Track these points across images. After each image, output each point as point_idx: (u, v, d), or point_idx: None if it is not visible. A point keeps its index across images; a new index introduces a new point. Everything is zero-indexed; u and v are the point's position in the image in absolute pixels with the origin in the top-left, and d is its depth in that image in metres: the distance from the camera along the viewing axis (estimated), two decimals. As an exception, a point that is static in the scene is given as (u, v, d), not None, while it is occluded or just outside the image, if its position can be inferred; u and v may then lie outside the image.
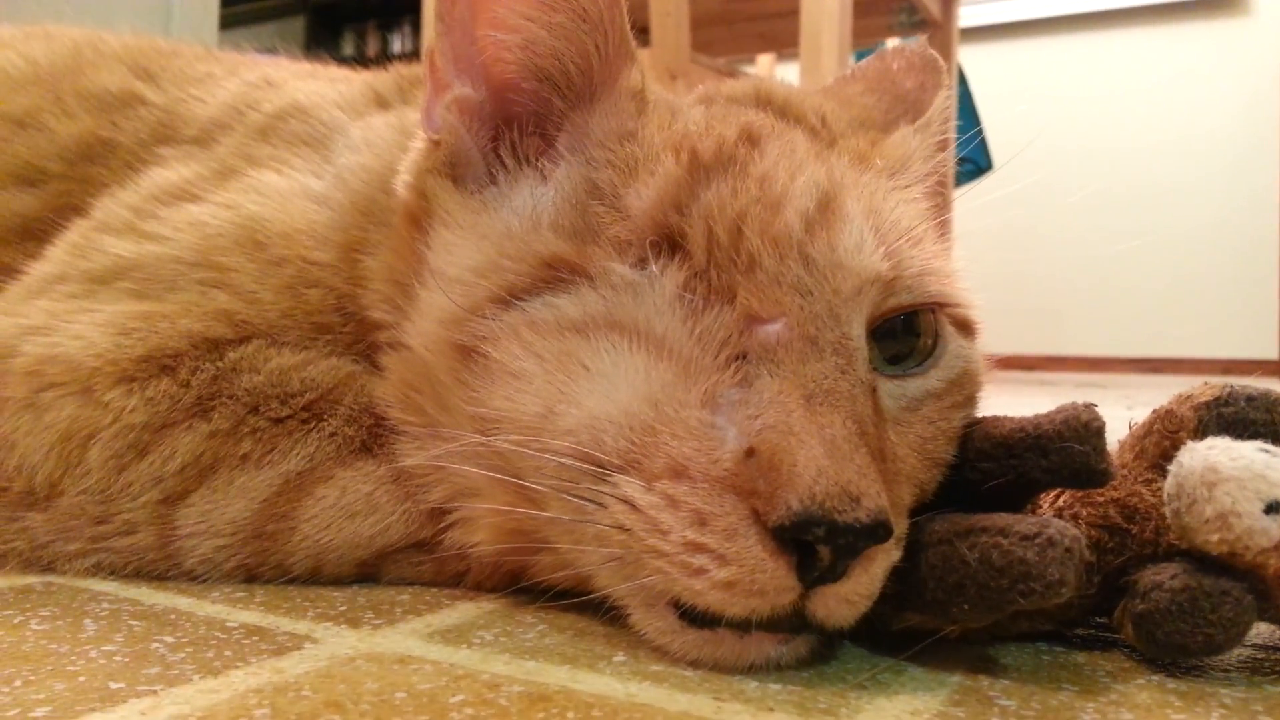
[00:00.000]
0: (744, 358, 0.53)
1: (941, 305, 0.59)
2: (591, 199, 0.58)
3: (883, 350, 0.57)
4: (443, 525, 0.64)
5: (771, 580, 0.48)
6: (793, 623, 0.50)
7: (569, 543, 0.55)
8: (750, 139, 0.60)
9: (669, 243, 0.55)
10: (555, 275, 0.57)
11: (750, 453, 0.49)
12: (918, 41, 0.80)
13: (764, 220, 0.55)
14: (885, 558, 0.51)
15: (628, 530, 0.51)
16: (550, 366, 0.55)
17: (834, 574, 0.48)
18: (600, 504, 0.52)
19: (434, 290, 0.61)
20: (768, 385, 0.51)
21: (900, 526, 0.52)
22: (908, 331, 0.58)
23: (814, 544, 0.47)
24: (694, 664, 0.52)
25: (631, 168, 0.59)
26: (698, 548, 0.49)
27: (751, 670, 0.51)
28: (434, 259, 0.62)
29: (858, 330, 0.55)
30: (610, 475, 0.52)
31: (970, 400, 0.61)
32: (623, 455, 0.52)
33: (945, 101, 0.74)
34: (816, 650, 0.53)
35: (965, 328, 0.63)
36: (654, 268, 0.55)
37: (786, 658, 0.52)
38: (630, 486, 0.51)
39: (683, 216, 0.55)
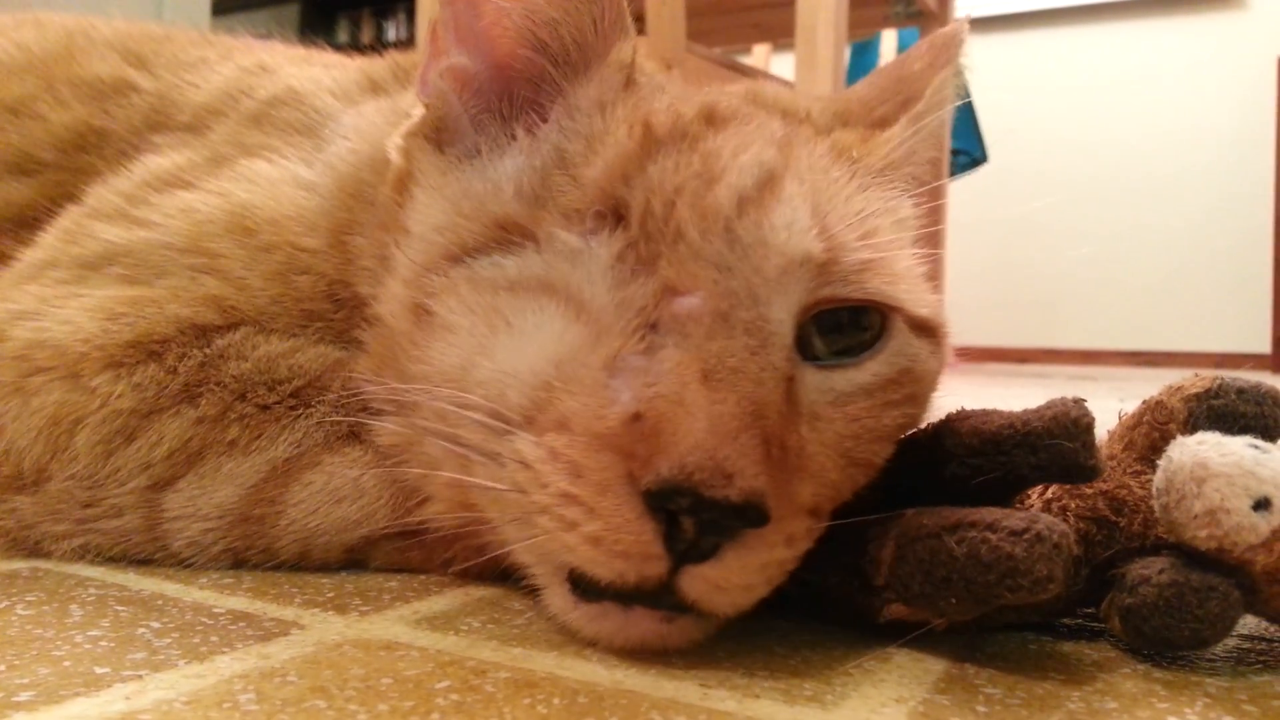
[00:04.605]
0: (654, 328, 0.53)
1: (885, 306, 0.56)
2: (556, 167, 0.58)
3: (830, 344, 0.55)
4: (416, 502, 0.64)
5: (637, 543, 0.47)
6: (671, 600, 0.49)
7: (495, 511, 0.55)
8: (709, 118, 0.59)
9: (614, 213, 0.55)
10: (505, 237, 0.57)
11: (637, 417, 0.49)
12: (958, 21, 0.73)
13: (696, 194, 0.54)
14: (766, 550, 0.50)
15: (523, 490, 0.51)
16: (477, 321, 0.55)
17: (700, 552, 0.48)
18: (500, 463, 0.52)
19: (402, 249, 0.61)
20: (669, 356, 0.51)
21: (796, 524, 0.51)
22: (855, 326, 0.56)
23: (678, 514, 0.47)
24: (590, 641, 0.52)
25: (595, 139, 0.59)
26: (571, 499, 0.49)
27: (642, 651, 0.51)
28: (406, 219, 0.62)
29: (778, 314, 0.53)
30: (512, 433, 0.52)
31: (912, 400, 0.58)
32: (523, 412, 0.52)
33: (943, 84, 0.68)
34: (710, 636, 0.53)
35: (924, 329, 0.59)
36: (597, 237, 0.55)
37: (673, 638, 0.51)
38: (523, 442, 0.51)
39: (628, 188, 0.55)
